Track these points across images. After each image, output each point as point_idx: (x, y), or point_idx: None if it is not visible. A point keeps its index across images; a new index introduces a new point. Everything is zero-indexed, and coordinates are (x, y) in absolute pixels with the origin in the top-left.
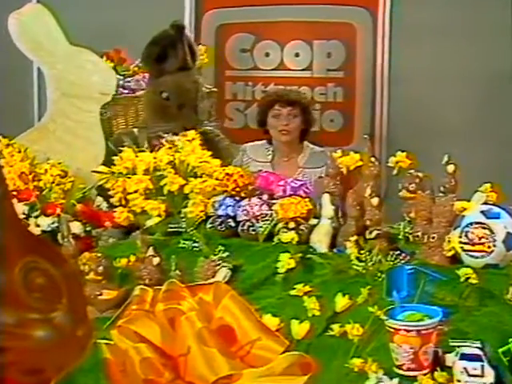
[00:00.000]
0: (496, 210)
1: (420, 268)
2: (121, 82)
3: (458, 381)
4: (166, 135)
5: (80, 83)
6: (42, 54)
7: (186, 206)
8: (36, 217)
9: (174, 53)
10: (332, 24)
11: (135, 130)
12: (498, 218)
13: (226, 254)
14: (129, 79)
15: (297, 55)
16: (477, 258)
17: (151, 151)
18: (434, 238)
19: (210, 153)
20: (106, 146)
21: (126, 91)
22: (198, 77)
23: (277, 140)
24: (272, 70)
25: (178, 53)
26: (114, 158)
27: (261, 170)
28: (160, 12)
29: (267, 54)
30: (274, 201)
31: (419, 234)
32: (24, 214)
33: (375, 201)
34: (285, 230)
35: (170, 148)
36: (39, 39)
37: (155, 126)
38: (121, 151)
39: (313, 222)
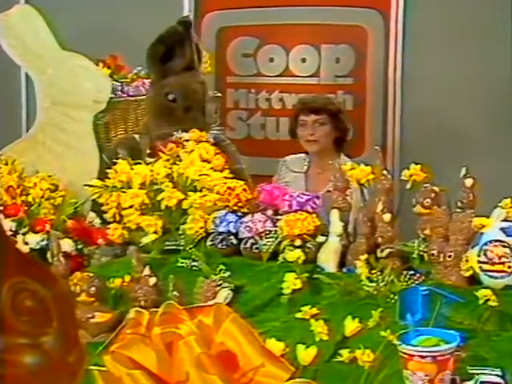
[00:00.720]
0: None
1: (436, 289)
2: (119, 87)
3: None
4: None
5: (72, 90)
6: (31, 59)
7: (184, 223)
8: (24, 234)
9: (181, 51)
10: (341, 27)
11: (136, 135)
12: None
13: (228, 273)
14: (123, 85)
15: (303, 60)
16: (496, 278)
17: (153, 156)
18: (450, 256)
19: (210, 165)
20: (100, 157)
21: (125, 95)
22: (203, 77)
23: (307, 150)
24: (277, 76)
25: (185, 51)
26: (109, 170)
27: (287, 183)
28: (157, 14)
29: (271, 59)
30: (278, 217)
31: (435, 252)
32: (11, 230)
33: (387, 217)
34: (290, 248)
35: (168, 160)
36: (28, 43)
37: (159, 130)
38: (115, 164)
39: (320, 239)
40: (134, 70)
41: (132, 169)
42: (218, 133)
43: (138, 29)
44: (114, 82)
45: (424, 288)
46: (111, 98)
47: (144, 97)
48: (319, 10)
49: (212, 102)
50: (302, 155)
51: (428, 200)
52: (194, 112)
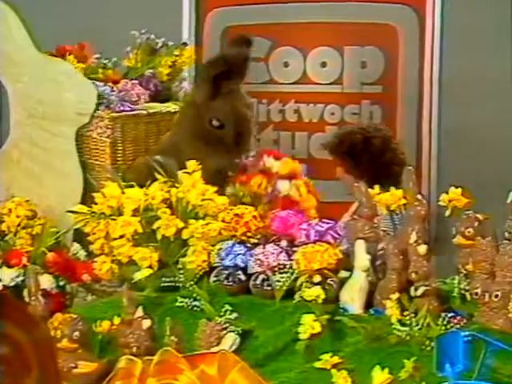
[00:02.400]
0: None
1: (480, 335)
2: (115, 97)
3: None
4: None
5: (51, 101)
6: (4, 64)
7: (184, 255)
8: None
9: (240, 75)
10: (367, 26)
11: (158, 157)
12: None
13: (234, 315)
14: (112, 89)
15: (323, 65)
16: None
17: None
18: (497, 296)
19: (214, 188)
20: (85, 179)
21: (132, 108)
22: (249, 98)
23: None
24: (292, 83)
25: (244, 75)
26: (95, 194)
27: None
28: (154, 11)
29: (286, 64)
30: (294, 248)
31: (478, 291)
32: None
33: (422, 249)
34: (308, 284)
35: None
36: (0, 45)
37: (200, 159)
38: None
39: (343, 274)
40: (92, 58)
41: (123, 192)
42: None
43: (133, 26)
44: (102, 87)
45: (466, 333)
46: (120, 110)
47: (156, 110)
48: (342, 5)
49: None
50: None
51: (470, 229)
52: (244, 141)
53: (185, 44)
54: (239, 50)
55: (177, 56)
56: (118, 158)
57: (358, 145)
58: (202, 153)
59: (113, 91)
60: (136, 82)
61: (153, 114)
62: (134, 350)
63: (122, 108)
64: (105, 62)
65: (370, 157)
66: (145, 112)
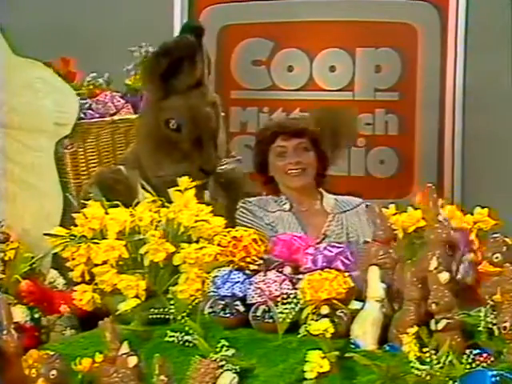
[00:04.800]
0: None
1: (509, 375)
2: (85, 104)
3: None
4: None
5: (27, 110)
6: None
7: (175, 284)
8: None
9: (190, 66)
10: (382, 25)
11: (121, 167)
12: None
13: (232, 351)
14: (88, 101)
15: (332, 69)
16: None
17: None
18: None
19: (209, 209)
20: (64, 198)
21: (97, 115)
22: (215, 95)
23: (287, 187)
24: (297, 90)
25: (195, 66)
26: (76, 215)
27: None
28: (143, 8)
29: (290, 68)
30: (299, 276)
31: (507, 325)
32: None
33: (444, 277)
34: (315, 317)
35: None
36: None
37: (157, 169)
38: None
39: (355, 305)
40: (88, 77)
41: (107, 213)
42: (232, 167)
43: (120, 25)
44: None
45: (494, 373)
46: (80, 119)
47: (123, 117)
48: (353, 2)
49: (223, 128)
50: (269, 197)
51: (498, 255)
52: (205, 143)
53: None
54: (185, 42)
55: None
56: (82, 172)
57: None
58: (157, 160)
59: (86, 103)
60: (117, 94)
61: (117, 122)
62: None
63: (81, 115)
64: (99, 80)
65: None
66: (108, 119)
